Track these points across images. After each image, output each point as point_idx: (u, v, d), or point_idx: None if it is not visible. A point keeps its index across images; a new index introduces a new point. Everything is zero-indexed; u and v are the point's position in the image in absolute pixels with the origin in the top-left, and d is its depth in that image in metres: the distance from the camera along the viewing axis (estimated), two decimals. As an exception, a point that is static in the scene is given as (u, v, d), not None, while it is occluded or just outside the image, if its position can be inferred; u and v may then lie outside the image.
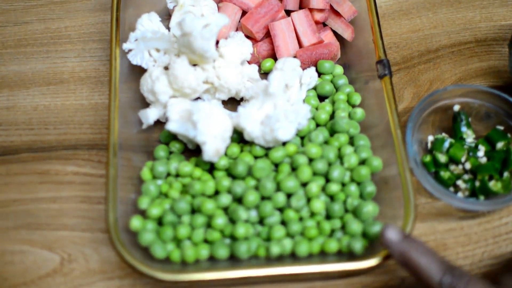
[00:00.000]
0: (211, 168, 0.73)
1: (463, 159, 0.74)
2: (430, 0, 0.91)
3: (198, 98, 0.78)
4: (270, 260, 0.67)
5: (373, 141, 0.74)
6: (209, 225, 0.69)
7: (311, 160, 0.71)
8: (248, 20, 0.80)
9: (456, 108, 0.77)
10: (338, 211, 0.69)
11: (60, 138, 0.79)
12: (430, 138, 0.76)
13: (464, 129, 0.76)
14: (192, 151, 0.76)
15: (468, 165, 0.74)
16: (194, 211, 0.70)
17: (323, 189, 0.71)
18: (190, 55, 0.73)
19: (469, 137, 0.76)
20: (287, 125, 0.70)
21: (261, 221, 0.70)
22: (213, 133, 0.69)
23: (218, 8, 0.83)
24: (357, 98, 0.78)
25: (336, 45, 0.82)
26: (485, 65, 0.84)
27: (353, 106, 0.78)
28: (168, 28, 0.82)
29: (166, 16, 0.86)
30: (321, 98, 0.80)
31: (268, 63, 0.81)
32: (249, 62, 0.81)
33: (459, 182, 0.73)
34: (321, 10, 0.82)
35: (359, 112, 0.76)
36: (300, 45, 0.81)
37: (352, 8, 0.82)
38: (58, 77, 0.84)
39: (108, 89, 0.74)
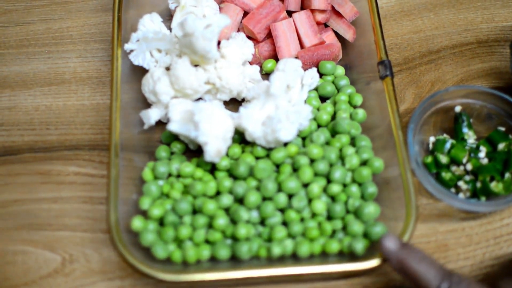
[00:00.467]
0: (212, 168, 0.73)
1: (464, 160, 0.74)
2: (431, 1, 0.91)
3: (200, 98, 0.78)
4: (271, 261, 0.67)
5: (375, 142, 0.74)
6: (210, 226, 0.69)
7: (312, 160, 0.71)
8: (249, 20, 0.80)
9: (458, 109, 0.77)
10: (340, 212, 0.69)
11: (61, 138, 0.79)
12: (432, 139, 0.76)
13: (465, 130, 0.76)
14: (194, 151, 0.76)
15: (469, 166, 0.74)
16: (195, 211, 0.70)
17: (325, 189, 0.71)
18: (191, 55, 0.73)
19: (471, 138, 0.76)
20: (288, 126, 0.70)
21: (262, 222, 0.70)
22: (214, 133, 0.69)
23: (220, 8, 0.83)
24: (358, 99, 0.78)
25: (337, 46, 0.82)
26: (487, 66, 0.84)
27: (355, 107, 0.78)
28: (170, 29, 0.82)
29: (167, 16, 0.86)
30: (323, 99, 0.80)
31: (269, 64, 0.81)
32: (250, 63, 0.81)
33: (461, 183, 0.73)
34: (322, 11, 0.82)
35: (361, 113, 0.76)
36: (301, 46, 0.81)
37: (353, 9, 0.82)
38: (60, 78, 0.84)
39: (110, 89, 0.74)
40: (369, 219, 0.69)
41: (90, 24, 0.89)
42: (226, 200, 0.69)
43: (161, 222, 0.70)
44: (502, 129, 0.76)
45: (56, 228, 0.73)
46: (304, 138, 0.75)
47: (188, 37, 0.70)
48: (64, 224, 0.73)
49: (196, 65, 0.76)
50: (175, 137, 0.76)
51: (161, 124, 0.78)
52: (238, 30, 0.83)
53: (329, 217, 0.70)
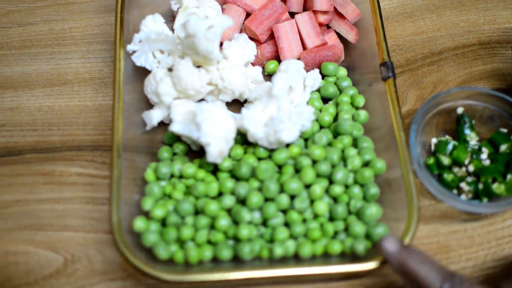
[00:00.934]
0: (214, 169, 0.73)
1: (466, 162, 0.74)
2: (434, 2, 0.91)
3: (202, 99, 0.78)
4: (273, 262, 0.67)
5: (377, 143, 0.74)
6: (212, 227, 0.69)
7: (314, 162, 0.71)
8: (252, 22, 0.80)
9: (460, 110, 0.77)
10: (342, 213, 0.69)
11: (64, 139, 0.79)
12: (434, 140, 0.76)
13: (467, 131, 0.76)
14: (196, 152, 0.76)
15: (471, 168, 0.74)
16: (197, 212, 0.70)
17: (327, 191, 0.71)
18: (194, 56, 0.73)
19: (473, 139, 0.76)
20: (290, 127, 0.70)
21: (264, 223, 0.70)
22: (216, 134, 0.69)
23: (222, 10, 0.83)
24: (360, 100, 0.78)
25: (340, 47, 0.82)
26: (489, 68, 0.84)
27: (357, 108, 0.78)
28: (172, 30, 0.82)
29: (170, 17, 0.86)
30: (325, 100, 0.80)
31: (272, 65, 0.81)
32: (253, 64, 0.81)
33: (463, 185, 0.73)
34: (325, 12, 0.82)
35: (363, 114, 0.76)
36: (304, 47, 0.81)
37: (356, 10, 0.82)
38: (62, 78, 0.84)
39: (112, 90, 0.74)
40: (371, 220, 0.69)
41: (92, 25, 0.89)
42: (228, 201, 0.69)
43: (163, 222, 0.70)
44: (504, 130, 0.76)
45: (58, 228, 0.73)
46: (306, 139, 0.75)
47: (191, 38, 0.71)
48: (66, 225, 0.73)
49: (198, 66, 0.76)
50: (177, 138, 0.76)
51: (163, 125, 0.78)
52: (241, 31, 0.83)
53: (331, 218, 0.70)
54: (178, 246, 0.68)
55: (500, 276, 0.68)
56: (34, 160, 0.77)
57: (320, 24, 0.83)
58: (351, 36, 0.83)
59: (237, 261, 0.67)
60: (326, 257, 0.68)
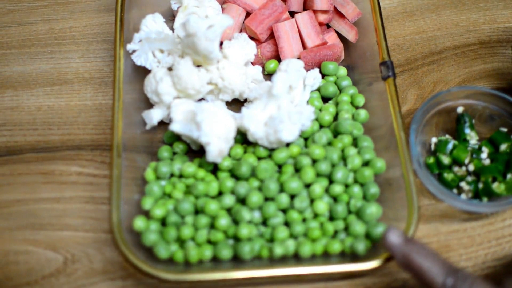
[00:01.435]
0: (214, 169, 0.74)
1: (466, 161, 0.74)
2: (434, 2, 0.91)
3: (202, 99, 0.78)
4: (273, 261, 0.67)
5: (377, 142, 0.74)
6: (212, 226, 0.69)
7: (314, 161, 0.71)
8: (252, 21, 0.80)
9: (460, 110, 0.77)
10: (342, 212, 0.69)
11: (64, 138, 0.79)
12: (434, 139, 0.76)
13: (467, 131, 0.76)
14: (196, 152, 0.76)
15: (471, 167, 0.74)
16: (197, 211, 0.70)
17: (327, 190, 0.71)
18: (194, 56, 0.73)
19: (473, 139, 0.76)
20: (290, 126, 0.70)
21: (264, 222, 0.70)
22: (216, 134, 0.69)
23: (222, 9, 0.83)
24: (360, 100, 0.78)
25: (340, 47, 0.82)
26: (489, 67, 0.84)
27: (357, 107, 0.78)
28: (172, 29, 0.82)
29: (170, 17, 0.86)
30: (325, 99, 0.80)
31: (272, 64, 0.81)
32: (253, 63, 0.81)
33: (463, 184, 0.73)
34: (325, 12, 0.82)
35: (363, 113, 0.76)
36: (304, 46, 0.81)
37: (356, 10, 0.82)
38: (62, 78, 0.84)
39: (112, 89, 0.74)
40: (371, 220, 0.69)
41: (92, 24, 0.89)
42: (228, 200, 0.69)
43: (163, 222, 0.70)
44: (504, 130, 0.76)
45: (58, 228, 0.73)
46: (306, 138, 0.75)
47: (191, 37, 0.71)
48: (66, 224, 0.73)
49: (198, 66, 0.76)
50: (177, 138, 0.76)
51: (163, 124, 0.78)
52: (241, 31, 0.83)
53: (331, 218, 0.70)
54: (178, 245, 0.68)
55: (503, 272, 0.68)
56: (34, 160, 0.77)
57: (320, 24, 0.83)
58: (351, 35, 0.83)
59: (237, 261, 0.67)
60: (326, 257, 0.68)
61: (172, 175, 0.73)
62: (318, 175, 0.71)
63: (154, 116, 0.75)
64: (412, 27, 0.88)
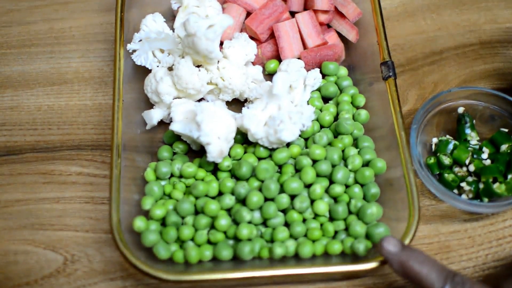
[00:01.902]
0: (214, 169, 0.73)
1: (467, 161, 0.74)
2: (434, 2, 0.91)
3: (202, 99, 0.78)
4: (273, 261, 0.67)
5: (377, 142, 0.74)
6: (212, 226, 0.69)
7: (315, 161, 0.71)
8: (252, 21, 0.80)
9: (461, 110, 0.77)
10: (342, 213, 0.69)
11: (63, 138, 0.79)
12: (434, 140, 0.76)
13: (468, 131, 0.76)
14: (196, 152, 0.76)
15: (472, 167, 0.73)
16: (197, 212, 0.70)
17: (327, 190, 0.71)
18: (194, 56, 0.73)
19: (473, 139, 0.76)
20: (291, 127, 0.70)
21: (264, 223, 0.70)
22: (217, 134, 0.69)
23: (223, 9, 0.83)
24: (361, 100, 0.78)
25: (340, 47, 0.82)
26: (490, 67, 0.84)
27: (357, 107, 0.78)
28: (173, 29, 0.82)
29: (170, 16, 0.86)
30: (325, 99, 0.80)
31: (272, 64, 0.81)
32: (253, 63, 0.81)
33: (463, 184, 0.73)
34: (325, 12, 0.82)
35: (363, 113, 0.76)
36: (304, 46, 0.81)
37: (356, 10, 0.82)
38: (62, 78, 0.84)
39: (112, 89, 0.74)
40: (371, 220, 0.69)
41: (92, 24, 0.89)
42: (228, 200, 0.69)
43: (163, 222, 0.70)
44: (505, 130, 0.75)
45: (58, 228, 0.73)
46: (307, 138, 0.75)
47: (191, 37, 0.70)
48: (66, 224, 0.73)
49: (198, 66, 0.76)
50: (177, 138, 0.76)
51: (163, 124, 0.78)
52: (241, 31, 0.83)
53: (331, 218, 0.70)
54: (178, 245, 0.68)
55: (501, 275, 0.68)
56: (33, 160, 0.77)
57: (321, 24, 0.82)
58: (351, 35, 0.82)
59: (237, 261, 0.67)
60: (326, 257, 0.68)
61: (172, 175, 0.73)
62: (319, 175, 0.70)
63: (154, 116, 0.75)
64: (412, 27, 0.88)
